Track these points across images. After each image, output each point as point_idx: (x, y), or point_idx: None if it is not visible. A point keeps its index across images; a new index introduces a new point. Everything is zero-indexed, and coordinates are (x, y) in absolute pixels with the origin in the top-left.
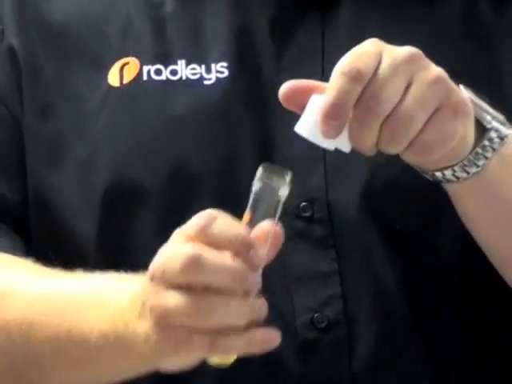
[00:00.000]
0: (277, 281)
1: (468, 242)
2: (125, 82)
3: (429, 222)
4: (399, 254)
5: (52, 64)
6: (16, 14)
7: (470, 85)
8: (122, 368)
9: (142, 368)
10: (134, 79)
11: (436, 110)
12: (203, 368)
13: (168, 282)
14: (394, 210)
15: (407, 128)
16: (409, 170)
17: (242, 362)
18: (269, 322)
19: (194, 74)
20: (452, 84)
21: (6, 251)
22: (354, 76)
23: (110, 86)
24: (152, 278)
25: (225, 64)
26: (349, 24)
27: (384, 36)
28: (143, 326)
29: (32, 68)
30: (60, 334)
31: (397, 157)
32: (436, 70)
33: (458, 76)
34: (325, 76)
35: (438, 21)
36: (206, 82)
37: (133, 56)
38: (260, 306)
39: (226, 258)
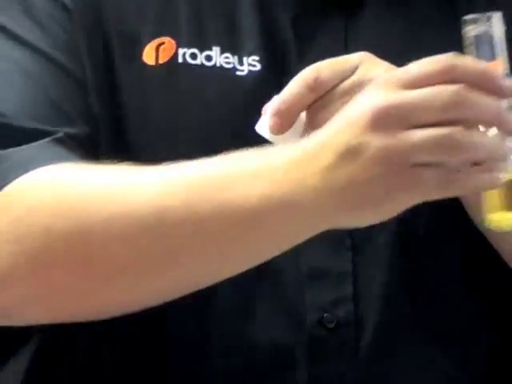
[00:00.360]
0: (290, 277)
1: (480, 250)
2: (160, 61)
3: (440, 226)
4: (412, 258)
5: (95, 31)
6: None
7: None
8: (282, 235)
9: (309, 231)
10: (170, 60)
11: None
12: (213, 364)
13: (416, 120)
14: (408, 213)
15: None
16: None
17: (248, 356)
18: (278, 317)
19: (227, 63)
20: None
21: None
22: (310, 84)
23: (144, 63)
24: (380, 119)
25: (256, 58)
26: (372, 27)
27: (406, 41)
28: (346, 170)
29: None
30: (203, 211)
31: None
32: None
33: None
34: None
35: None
36: (238, 73)
37: (169, 36)
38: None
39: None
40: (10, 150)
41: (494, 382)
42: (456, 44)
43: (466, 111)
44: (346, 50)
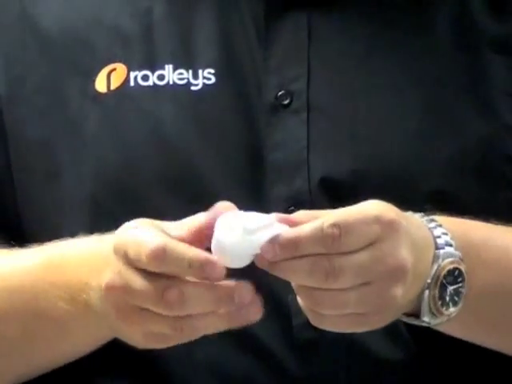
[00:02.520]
0: (274, 280)
1: None
2: (112, 87)
3: None
4: None
5: (39, 70)
6: None
7: (460, 95)
8: (91, 337)
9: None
10: (121, 85)
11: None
12: (202, 368)
13: (134, 264)
14: None
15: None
16: (390, 177)
17: (241, 362)
18: (266, 321)
19: (180, 79)
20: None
21: None
22: (330, 235)
23: (97, 91)
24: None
25: (212, 71)
26: (336, 24)
27: (370, 39)
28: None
29: (17, 76)
30: (27, 313)
31: (379, 164)
32: (398, 293)
33: (445, 86)
34: (310, 77)
35: (431, 30)
36: (192, 88)
37: (120, 62)
38: (231, 293)
39: (190, 249)
40: None
41: None
42: (422, 48)
43: (165, 266)
44: (309, 47)
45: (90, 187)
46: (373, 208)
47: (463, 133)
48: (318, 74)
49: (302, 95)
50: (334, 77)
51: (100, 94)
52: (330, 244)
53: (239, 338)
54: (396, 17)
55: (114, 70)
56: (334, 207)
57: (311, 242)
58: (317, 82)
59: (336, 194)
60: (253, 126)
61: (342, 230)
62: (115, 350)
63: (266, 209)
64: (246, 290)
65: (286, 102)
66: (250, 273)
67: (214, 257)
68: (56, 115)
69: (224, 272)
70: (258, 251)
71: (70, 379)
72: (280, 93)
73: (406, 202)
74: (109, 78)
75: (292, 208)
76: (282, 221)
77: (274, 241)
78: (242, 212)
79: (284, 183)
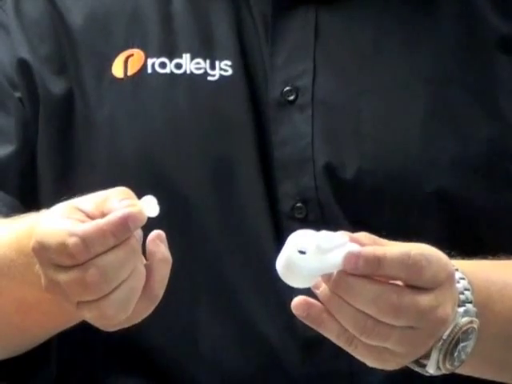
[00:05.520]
0: (277, 280)
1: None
2: (129, 73)
3: (411, 226)
4: None
5: (61, 53)
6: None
7: (465, 96)
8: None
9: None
10: (139, 71)
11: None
12: (206, 366)
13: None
14: (379, 213)
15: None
16: (393, 176)
17: (244, 359)
18: (270, 319)
19: (198, 69)
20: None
21: None
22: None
23: (113, 76)
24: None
25: (229, 62)
26: (343, 22)
27: (377, 38)
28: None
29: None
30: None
31: (383, 162)
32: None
33: (451, 86)
34: (316, 73)
35: (438, 30)
36: (209, 78)
37: (138, 48)
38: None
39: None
40: None
41: None
42: (430, 49)
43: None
44: (315, 44)
45: (103, 173)
46: (442, 254)
47: (468, 133)
48: (323, 71)
49: (307, 91)
50: (339, 74)
51: (117, 79)
52: (415, 271)
53: (243, 336)
54: (403, 16)
55: (132, 55)
56: (340, 204)
57: (396, 264)
58: (322, 78)
59: (341, 191)
60: (261, 121)
61: (425, 261)
62: (119, 347)
63: (273, 205)
64: (138, 215)
65: (292, 98)
66: (252, 274)
67: (128, 210)
68: (75, 99)
69: (144, 217)
70: (329, 271)
71: (73, 376)
72: (286, 89)
73: (408, 200)
74: (126, 64)
75: (299, 205)
76: (352, 240)
77: (357, 254)
78: (312, 231)
79: (291, 180)
